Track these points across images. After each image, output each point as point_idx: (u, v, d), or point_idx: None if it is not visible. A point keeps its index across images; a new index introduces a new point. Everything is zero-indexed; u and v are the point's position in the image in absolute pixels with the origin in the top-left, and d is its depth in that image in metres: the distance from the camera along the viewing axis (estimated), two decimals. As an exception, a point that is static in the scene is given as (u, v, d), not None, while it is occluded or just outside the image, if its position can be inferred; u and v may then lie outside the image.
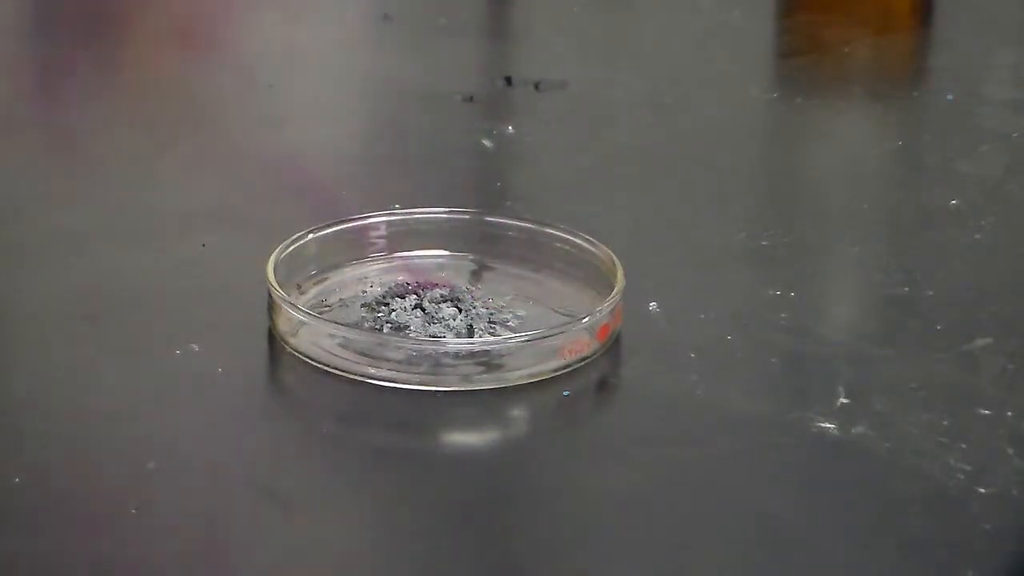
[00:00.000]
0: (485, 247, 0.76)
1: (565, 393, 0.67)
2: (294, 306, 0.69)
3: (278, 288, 0.69)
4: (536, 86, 1.05)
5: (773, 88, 1.08)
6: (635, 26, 1.24)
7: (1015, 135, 1.00)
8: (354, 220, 0.77)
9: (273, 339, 0.70)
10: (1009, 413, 0.66)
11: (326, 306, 0.73)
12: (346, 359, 0.67)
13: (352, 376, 0.67)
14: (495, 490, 0.62)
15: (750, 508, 0.60)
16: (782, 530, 0.59)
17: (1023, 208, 0.89)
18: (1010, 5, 1.28)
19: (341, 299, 0.73)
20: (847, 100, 1.09)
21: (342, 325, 0.68)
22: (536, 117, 1.02)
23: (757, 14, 1.23)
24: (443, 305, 0.71)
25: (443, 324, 0.69)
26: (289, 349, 0.69)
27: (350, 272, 0.75)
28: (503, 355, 0.67)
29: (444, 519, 0.59)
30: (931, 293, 0.77)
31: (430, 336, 0.69)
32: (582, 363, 0.68)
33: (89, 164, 0.92)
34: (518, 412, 0.67)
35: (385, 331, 0.69)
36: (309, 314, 0.69)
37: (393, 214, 0.78)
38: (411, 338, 0.68)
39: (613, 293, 0.70)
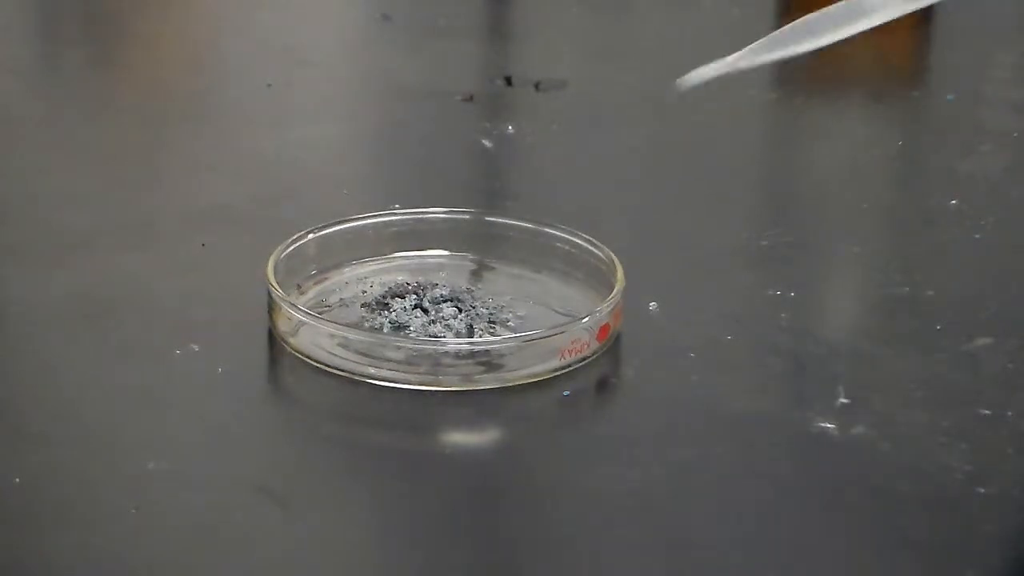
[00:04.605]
0: (485, 247, 0.76)
1: (565, 393, 0.67)
2: (294, 306, 0.69)
3: (278, 288, 0.69)
4: (536, 86, 1.05)
5: (773, 88, 1.08)
6: (635, 26, 1.24)
7: (1015, 135, 1.00)
8: (354, 220, 0.77)
9: (273, 339, 0.70)
10: (1009, 413, 0.66)
11: (326, 306, 0.73)
12: (346, 359, 0.67)
13: (352, 376, 0.67)
14: (495, 490, 0.62)
15: (750, 508, 0.60)
16: (782, 530, 0.59)
17: (1023, 208, 0.89)
18: (1010, 5, 1.28)
19: (341, 299, 0.73)
20: (847, 100, 1.09)
21: (342, 325, 0.68)
22: (536, 117, 1.02)
23: (757, 14, 1.22)
24: (443, 305, 0.71)
25: (443, 324, 0.69)
26: (289, 349, 0.69)
27: (350, 272, 0.75)
28: (503, 355, 0.67)
29: (444, 519, 0.59)
30: (931, 293, 0.77)
31: (430, 336, 0.69)
32: (582, 363, 0.68)
33: (89, 164, 0.92)
34: (518, 412, 0.67)
35: (385, 331, 0.69)
36: (309, 314, 0.69)
37: (393, 214, 0.78)
38: (411, 338, 0.68)
39: (613, 293, 0.70)
